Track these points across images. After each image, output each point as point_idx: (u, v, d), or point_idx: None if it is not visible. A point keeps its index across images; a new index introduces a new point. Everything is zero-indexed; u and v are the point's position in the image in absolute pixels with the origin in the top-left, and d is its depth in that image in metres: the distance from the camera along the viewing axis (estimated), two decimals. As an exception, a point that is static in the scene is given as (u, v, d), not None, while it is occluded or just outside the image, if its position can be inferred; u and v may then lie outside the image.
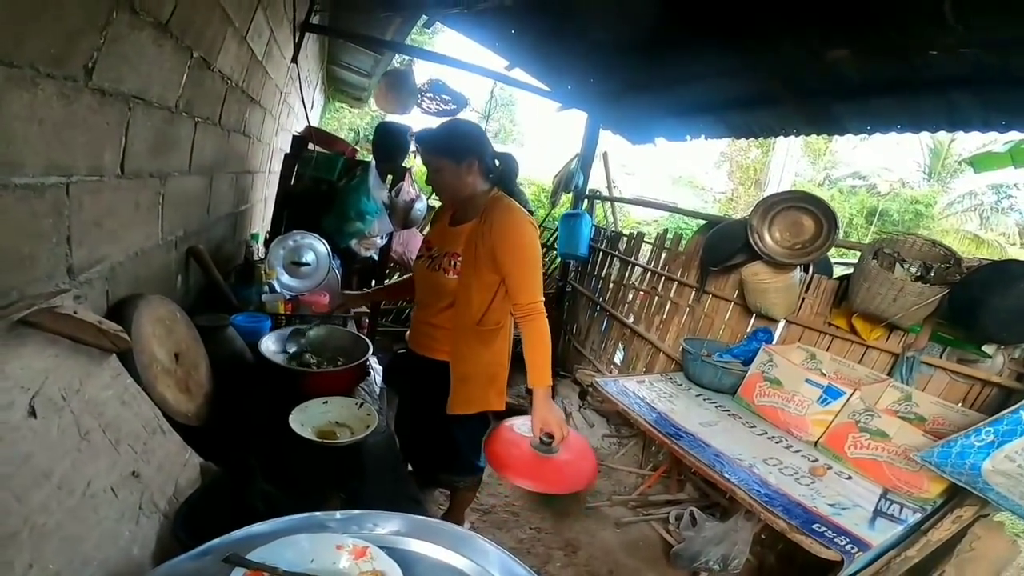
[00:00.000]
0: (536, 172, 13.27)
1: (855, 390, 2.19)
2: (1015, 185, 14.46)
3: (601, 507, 2.93)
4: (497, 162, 1.83)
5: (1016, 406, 1.71)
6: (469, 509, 2.45)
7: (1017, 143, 3.66)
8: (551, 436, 1.62)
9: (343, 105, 10.56)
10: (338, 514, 0.89)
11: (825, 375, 2.45)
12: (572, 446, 1.70)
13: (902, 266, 2.31)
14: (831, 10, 2.26)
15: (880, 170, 17.11)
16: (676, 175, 19.93)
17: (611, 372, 4.11)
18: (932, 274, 2.23)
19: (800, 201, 2.65)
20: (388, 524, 0.88)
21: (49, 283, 0.94)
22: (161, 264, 1.59)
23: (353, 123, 13.84)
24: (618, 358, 4.23)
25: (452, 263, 1.78)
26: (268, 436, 1.29)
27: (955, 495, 1.90)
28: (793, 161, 14.70)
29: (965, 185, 15.09)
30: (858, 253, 2.52)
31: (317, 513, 0.87)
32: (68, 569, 0.68)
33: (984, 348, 2.20)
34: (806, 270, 2.79)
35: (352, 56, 5.54)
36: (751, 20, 2.52)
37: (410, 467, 2.27)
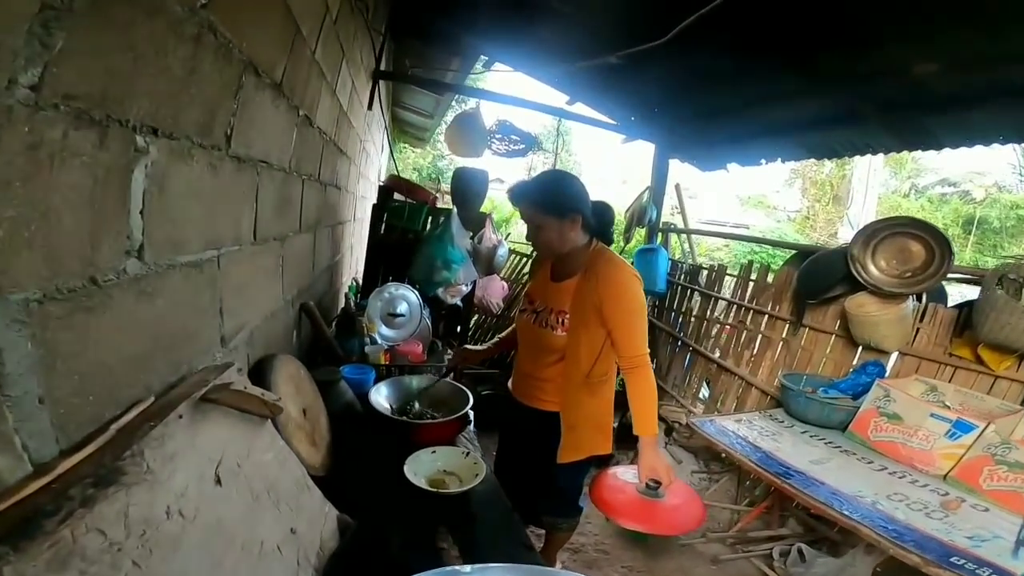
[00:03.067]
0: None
1: (988, 423, 2.06)
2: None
3: (695, 544, 2.80)
4: (595, 209, 1.82)
5: None
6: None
7: None
8: (657, 482, 1.67)
9: (406, 145, 10.96)
10: (467, 568, 0.90)
11: (950, 408, 2.30)
12: (678, 491, 1.75)
13: (1031, 291, 2.12)
14: (913, 22, 2.17)
15: (971, 175, 15.80)
16: (744, 195, 19.33)
17: (696, 408, 3.97)
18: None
19: (905, 226, 2.52)
20: (513, 576, 0.88)
21: (208, 355, 1.01)
22: (283, 323, 1.67)
23: (417, 163, 14.38)
24: (703, 394, 4.08)
25: (560, 320, 1.79)
26: (385, 486, 1.33)
27: None
28: (875, 173, 13.92)
29: None
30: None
31: (448, 568, 0.89)
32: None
33: None
34: (918, 299, 2.62)
35: (414, 98, 5.72)
36: (827, 38, 2.45)
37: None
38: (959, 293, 3.34)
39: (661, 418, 4.12)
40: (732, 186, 18.95)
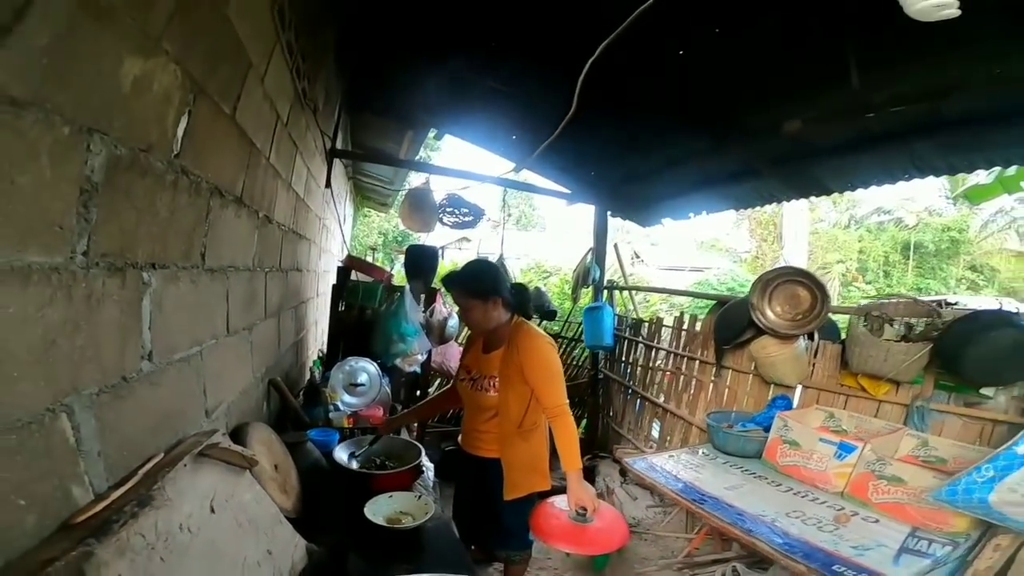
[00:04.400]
0: (558, 258, 13.62)
1: (865, 444, 2.37)
2: (1043, 195, 14.00)
3: (649, 572, 3.06)
4: (513, 291, 2.22)
5: (1009, 443, 1.87)
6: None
7: (1001, 172, 3.60)
8: (585, 509, 1.96)
9: (371, 211, 11.28)
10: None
11: (846, 432, 2.63)
12: (604, 516, 2.03)
13: (891, 326, 2.54)
14: (778, 85, 2.65)
15: (903, 202, 16.78)
16: (700, 240, 20.18)
17: (649, 448, 4.26)
18: (915, 331, 2.45)
19: (792, 275, 2.95)
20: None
21: (197, 424, 1.32)
22: (255, 397, 1.98)
23: (382, 227, 14.77)
24: (655, 433, 4.39)
25: (491, 384, 2.17)
26: (348, 524, 1.61)
27: (991, 524, 1.95)
28: (805, 212, 14.71)
29: (994, 203, 14.32)
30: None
31: (396, 577, 1.17)
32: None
33: (983, 391, 2.36)
34: (811, 337, 3.00)
35: (373, 166, 6.13)
36: (720, 103, 2.92)
37: (472, 546, 2.54)
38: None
39: (616, 460, 4.42)
40: (689, 232, 19.81)
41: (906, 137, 2.70)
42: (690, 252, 19.78)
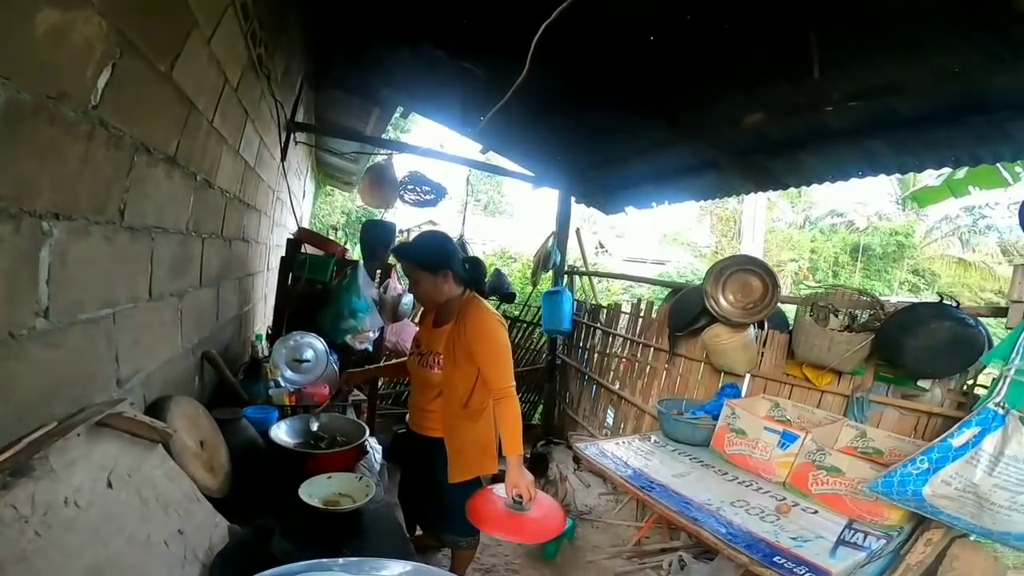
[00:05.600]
0: (523, 245, 13.63)
1: (807, 433, 2.41)
2: (987, 205, 14.57)
3: (600, 560, 3.07)
4: (467, 265, 2.15)
5: (944, 435, 1.91)
6: (471, 569, 2.61)
7: (950, 175, 3.74)
8: (521, 496, 1.90)
9: (335, 189, 10.95)
10: (341, 560, 1.11)
11: (790, 421, 2.66)
12: (542, 504, 1.97)
13: (836, 316, 2.58)
14: (737, 78, 2.65)
15: (855, 205, 17.50)
16: (663, 233, 20.51)
17: (604, 435, 4.27)
18: (858, 322, 2.50)
19: (746, 264, 2.97)
20: (383, 568, 1.10)
21: (105, 393, 1.21)
22: (183, 369, 1.86)
23: (345, 206, 14.39)
24: (609, 420, 4.42)
25: (436, 361, 2.11)
26: (282, 506, 1.52)
27: (923, 519, 2.01)
28: (764, 210, 15.10)
29: (940, 210, 15.24)
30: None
31: (324, 560, 1.10)
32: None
33: (920, 383, 2.43)
34: (761, 327, 3.05)
35: (337, 142, 5.93)
36: (678, 95, 2.91)
37: (419, 531, 2.48)
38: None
39: (570, 447, 4.43)
40: (654, 224, 20.10)
41: (859, 135, 2.75)
42: (653, 245, 20.09)
